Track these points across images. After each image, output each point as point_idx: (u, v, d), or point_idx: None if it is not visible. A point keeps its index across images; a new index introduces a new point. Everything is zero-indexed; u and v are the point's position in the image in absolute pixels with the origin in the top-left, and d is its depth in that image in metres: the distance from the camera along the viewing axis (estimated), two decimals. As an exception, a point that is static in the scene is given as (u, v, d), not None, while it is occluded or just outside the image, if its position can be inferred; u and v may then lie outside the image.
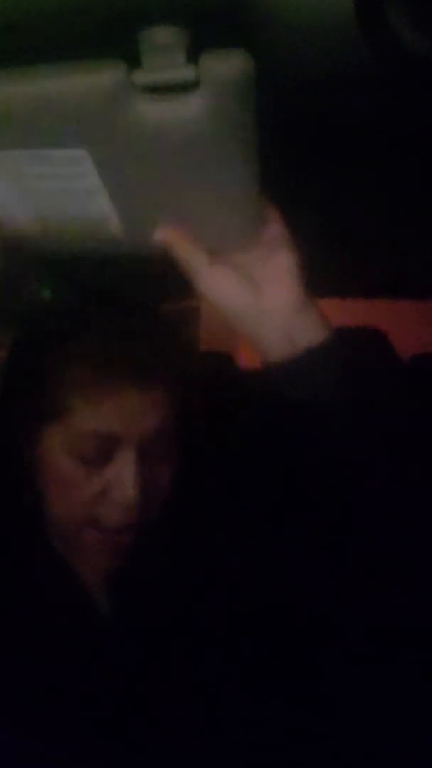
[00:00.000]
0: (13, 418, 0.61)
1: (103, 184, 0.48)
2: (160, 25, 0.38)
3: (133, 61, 0.39)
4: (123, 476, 0.56)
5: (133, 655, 0.61)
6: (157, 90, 0.39)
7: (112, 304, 0.64)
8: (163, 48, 0.38)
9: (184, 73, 0.38)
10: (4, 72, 0.40)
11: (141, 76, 0.39)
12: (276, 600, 0.60)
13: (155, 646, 0.62)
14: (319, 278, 1.50)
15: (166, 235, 0.51)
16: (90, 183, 0.48)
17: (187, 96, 0.39)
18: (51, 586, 0.63)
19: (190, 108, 0.40)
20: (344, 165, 0.71)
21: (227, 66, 0.38)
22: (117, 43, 0.38)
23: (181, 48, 0.37)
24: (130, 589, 0.63)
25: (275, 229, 0.52)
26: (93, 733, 0.59)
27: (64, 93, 0.39)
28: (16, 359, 0.63)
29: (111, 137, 0.43)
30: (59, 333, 0.59)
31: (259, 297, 0.52)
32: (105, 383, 0.56)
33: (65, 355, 0.58)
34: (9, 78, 0.40)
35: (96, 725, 0.59)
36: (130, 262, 0.60)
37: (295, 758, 0.60)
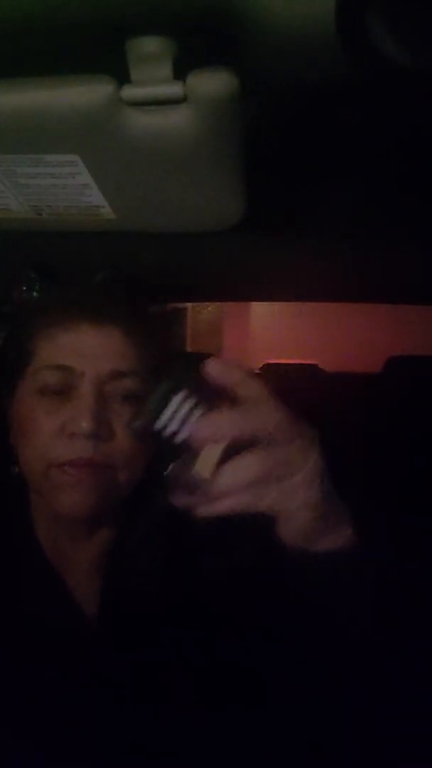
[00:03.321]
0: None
1: (94, 181, 0.50)
2: (147, 35, 0.39)
3: (122, 74, 0.40)
4: (79, 408, 0.59)
5: (121, 663, 0.61)
6: (145, 103, 0.40)
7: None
8: (151, 58, 0.39)
9: (172, 89, 0.39)
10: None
11: (129, 92, 0.40)
12: (267, 604, 0.59)
13: (144, 653, 0.62)
14: (318, 282, 1.52)
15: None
16: (82, 180, 0.51)
17: (174, 109, 0.41)
18: (42, 594, 0.64)
19: (177, 120, 0.42)
20: (333, 171, 0.72)
21: (214, 84, 0.39)
22: (107, 53, 0.39)
23: (168, 60, 0.39)
24: (119, 597, 0.64)
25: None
26: (82, 737, 0.59)
27: (56, 106, 0.41)
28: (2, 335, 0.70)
29: (101, 144, 0.45)
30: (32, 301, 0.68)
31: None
32: (63, 321, 0.63)
33: (35, 310, 0.66)
34: (3, 89, 0.41)
35: (85, 729, 0.59)
36: (119, 264, 0.62)
37: (291, 758, 0.60)
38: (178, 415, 0.46)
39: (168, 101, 0.40)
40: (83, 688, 0.60)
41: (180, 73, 0.39)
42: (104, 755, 0.59)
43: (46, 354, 0.63)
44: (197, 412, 0.46)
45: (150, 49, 0.39)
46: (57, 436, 0.60)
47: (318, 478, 0.46)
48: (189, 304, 4.73)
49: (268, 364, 3.09)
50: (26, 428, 0.63)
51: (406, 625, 0.49)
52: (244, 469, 0.45)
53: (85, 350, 0.62)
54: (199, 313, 5.27)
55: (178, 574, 0.64)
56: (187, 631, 0.62)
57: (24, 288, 0.84)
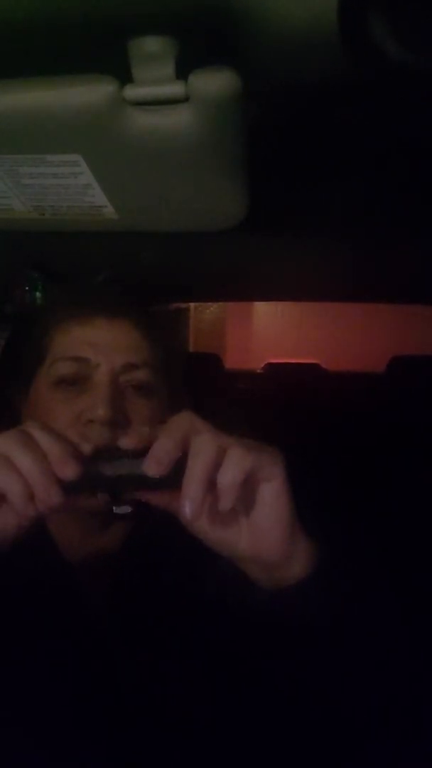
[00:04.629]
0: (12, 380, 0.69)
1: (96, 181, 0.50)
2: (149, 35, 0.39)
3: (125, 74, 0.40)
4: (95, 397, 0.61)
5: (128, 658, 0.62)
6: (147, 103, 0.41)
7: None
8: (153, 58, 0.39)
9: (174, 88, 0.39)
10: (2, 84, 0.41)
11: (132, 91, 0.40)
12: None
13: (151, 649, 0.62)
14: (318, 282, 1.52)
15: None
16: (84, 180, 0.51)
17: (176, 108, 0.41)
18: (52, 587, 0.64)
19: (179, 119, 0.42)
20: (333, 171, 0.72)
21: (216, 83, 0.39)
22: (109, 53, 0.39)
23: (170, 59, 0.39)
24: (128, 593, 0.64)
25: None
26: (86, 729, 0.59)
27: (59, 106, 0.41)
28: (14, 329, 0.73)
29: (103, 144, 0.45)
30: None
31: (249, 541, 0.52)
32: (78, 315, 0.66)
33: (50, 308, 0.69)
34: (6, 89, 0.41)
35: (90, 723, 0.59)
36: (121, 264, 0.63)
37: (290, 748, 0.61)
38: None
39: (170, 101, 0.40)
40: (90, 682, 0.61)
41: (182, 72, 0.40)
42: (108, 749, 0.59)
43: (62, 347, 0.65)
44: None
45: (152, 49, 0.39)
46: (73, 424, 0.61)
47: (288, 492, 0.51)
48: (191, 304, 4.73)
49: (271, 364, 3.09)
50: (42, 418, 0.63)
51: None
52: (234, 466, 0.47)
53: (100, 343, 0.64)
54: (202, 313, 5.28)
55: (188, 571, 0.64)
56: (194, 627, 0.62)
57: (26, 288, 0.85)
